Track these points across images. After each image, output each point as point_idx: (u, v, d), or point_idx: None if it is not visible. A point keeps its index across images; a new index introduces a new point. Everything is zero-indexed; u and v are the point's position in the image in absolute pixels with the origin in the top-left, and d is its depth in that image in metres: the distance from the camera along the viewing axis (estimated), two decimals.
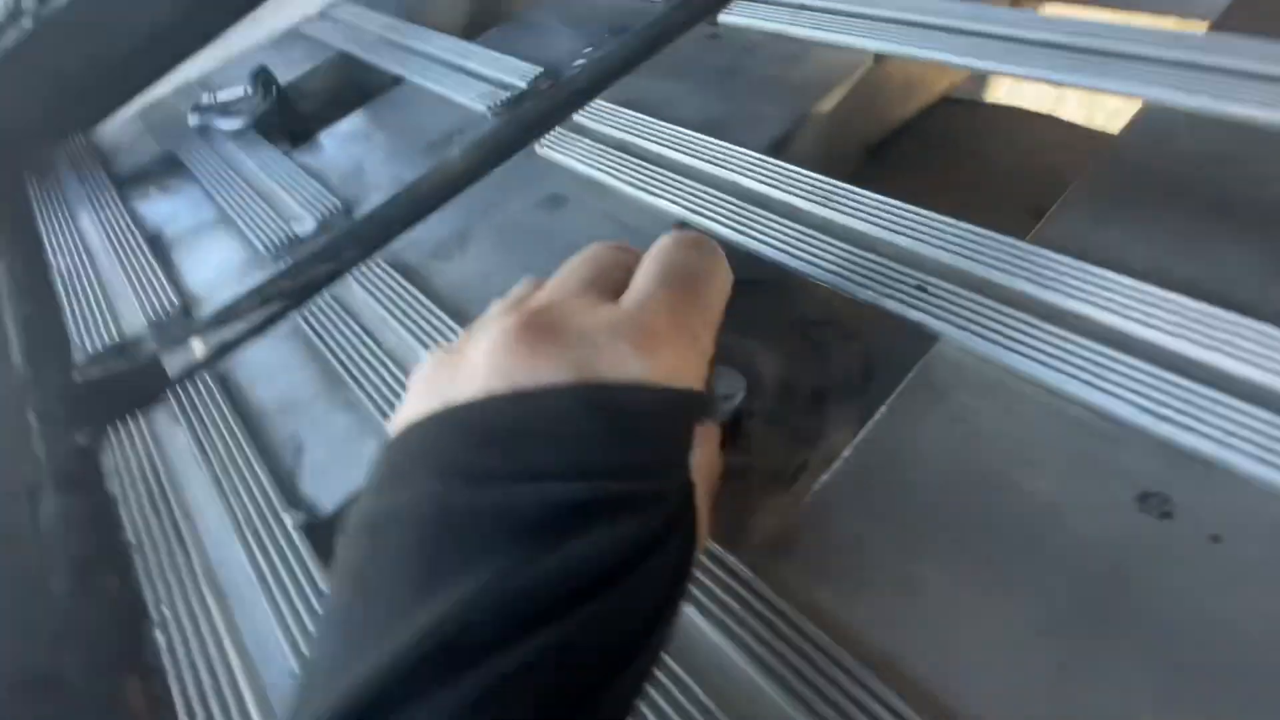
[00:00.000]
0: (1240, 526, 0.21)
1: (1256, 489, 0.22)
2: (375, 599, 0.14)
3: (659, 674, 0.22)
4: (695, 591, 0.24)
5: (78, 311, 0.45)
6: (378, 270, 0.41)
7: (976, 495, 0.24)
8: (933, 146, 0.50)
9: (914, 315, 0.29)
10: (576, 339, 0.16)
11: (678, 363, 0.17)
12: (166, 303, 0.43)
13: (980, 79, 0.60)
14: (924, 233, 0.32)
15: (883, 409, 0.27)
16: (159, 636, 0.27)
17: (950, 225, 0.31)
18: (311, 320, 0.39)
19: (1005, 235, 0.30)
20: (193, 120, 0.60)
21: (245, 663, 0.26)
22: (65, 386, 0.41)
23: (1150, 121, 0.34)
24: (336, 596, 0.16)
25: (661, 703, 0.21)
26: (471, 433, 0.16)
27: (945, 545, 0.23)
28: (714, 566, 0.24)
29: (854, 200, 0.34)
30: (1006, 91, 0.54)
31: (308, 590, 0.27)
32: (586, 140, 0.45)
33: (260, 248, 0.45)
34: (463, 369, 0.17)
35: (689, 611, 0.23)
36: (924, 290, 0.29)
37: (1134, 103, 0.35)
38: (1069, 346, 0.26)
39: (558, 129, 0.46)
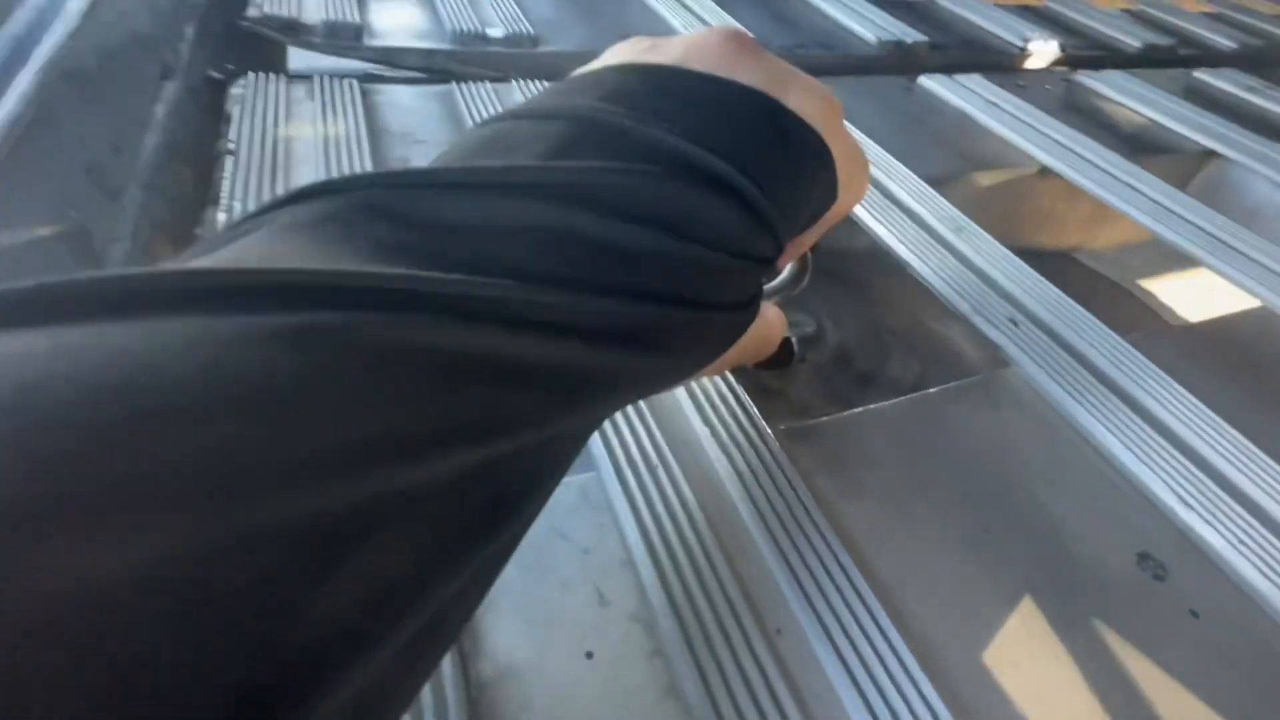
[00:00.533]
0: (1222, 614, 0.22)
1: (1246, 593, 0.22)
2: (499, 153, 0.15)
3: (657, 465, 0.22)
4: (711, 416, 0.24)
5: None
6: (543, 87, 0.43)
7: (996, 484, 0.25)
8: None
9: (996, 337, 0.30)
10: (779, 65, 0.17)
11: (841, 151, 0.18)
12: (348, 16, 0.45)
13: (1112, 260, 0.63)
14: (1033, 288, 0.33)
15: (936, 389, 0.28)
16: (220, 216, 0.28)
17: (1059, 295, 0.33)
18: (467, 91, 0.41)
19: (1103, 324, 0.32)
20: None
21: None
22: (224, 35, 0.43)
23: (1261, 318, 0.36)
24: (453, 150, 0.16)
25: (650, 485, 0.22)
26: (650, 82, 0.16)
27: (951, 503, 0.24)
28: (738, 410, 0.25)
29: (981, 240, 0.36)
30: (1132, 282, 0.56)
31: None
32: None
33: (447, 27, 0.47)
34: (662, 46, 0.17)
35: (701, 431, 0.24)
36: (1015, 324, 0.31)
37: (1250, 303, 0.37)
38: (1126, 422, 0.27)
39: None
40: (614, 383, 0.15)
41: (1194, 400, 0.28)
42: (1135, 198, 0.43)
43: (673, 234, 0.14)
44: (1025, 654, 0.20)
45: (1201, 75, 0.67)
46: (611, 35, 0.53)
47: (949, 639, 0.20)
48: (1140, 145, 0.53)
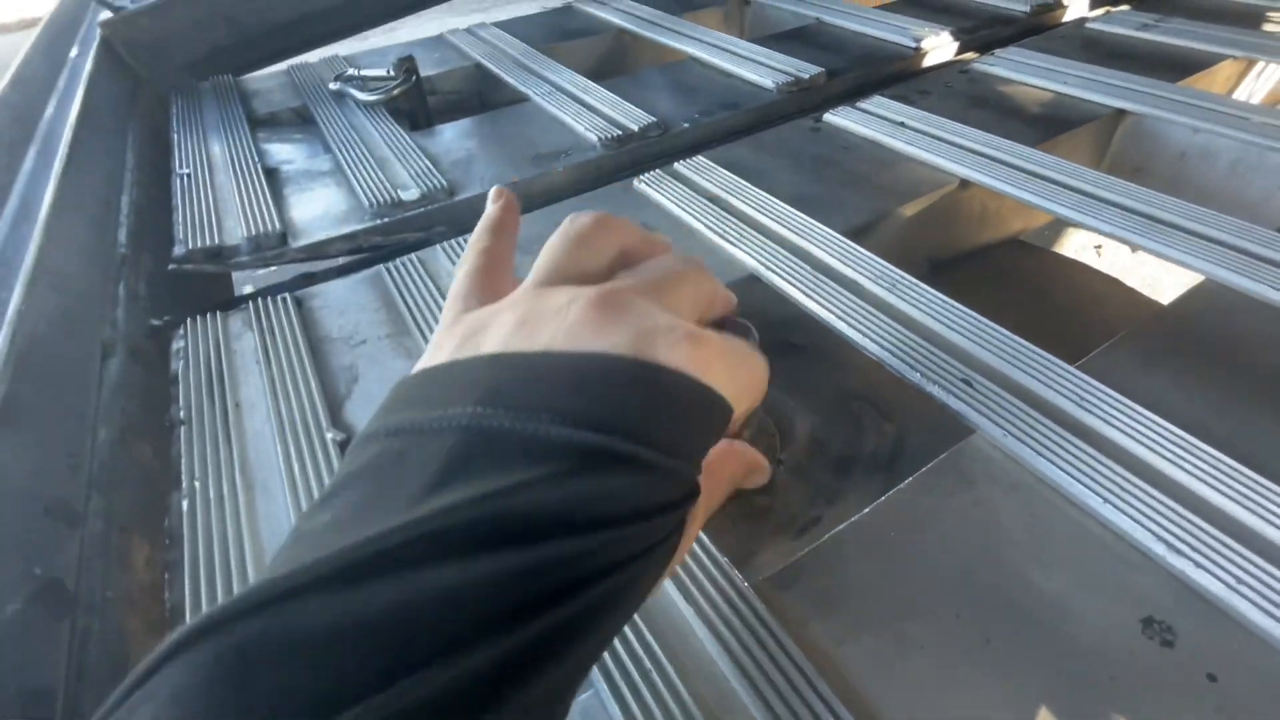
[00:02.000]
0: (1239, 671, 0.22)
1: (1258, 638, 0.22)
2: (388, 488, 0.15)
3: (650, 669, 0.22)
4: (695, 593, 0.24)
5: (186, 213, 0.48)
6: (464, 244, 0.44)
7: (985, 577, 0.25)
8: (994, 276, 0.53)
9: (955, 404, 0.30)
10: (643, 320, 0.18)
11: (721, 379, 0.19)
12: (268, 225, 0.46)
13: (1054, 231, 0.64)
14: (978, 336, 0.33)
15: (908, 481, 0.28)
16: (184, 504, 0.29)
17: (1004, 335, 0.33)
18: (394, 272, 0.42)
19: (1055, 357, 0.32)
20: (333, 86, 0.66)
21: (256, 547, 0.27)
22: (157, 272, 0.45)
23: (1207, 295, 0.36)
24: (345, 481, 0.16)
25: (646, 694, 0.22)
26: (524, 374, 0.17)
27: (946, 615, 0.24)
28: (720, 578, 0.25)
29: (917, 293, 0.37)
30: (1076, 248, 0.57)
31: None
32: (682, 186, 0.48)
33: (365, 202, 0.49)
34: (533, 323, 0.18)
35: (686, 611, 0.24)
36: (969, 385, 0.31)
37: (1195, 279, 0.37)
38: (1098, 468, 0.27)
39: (658, 170, 0.50)
40: (570, 660, 0.15)
41: (1157, 419, 0.28)
42: (1057, 192, 0.44)
43: (577, 529, 0.15)
44: None
45: (1095, 25, 0.68)
46: (521, 155, 0.54)
47: None
48: (1052, 124, 0.53)
